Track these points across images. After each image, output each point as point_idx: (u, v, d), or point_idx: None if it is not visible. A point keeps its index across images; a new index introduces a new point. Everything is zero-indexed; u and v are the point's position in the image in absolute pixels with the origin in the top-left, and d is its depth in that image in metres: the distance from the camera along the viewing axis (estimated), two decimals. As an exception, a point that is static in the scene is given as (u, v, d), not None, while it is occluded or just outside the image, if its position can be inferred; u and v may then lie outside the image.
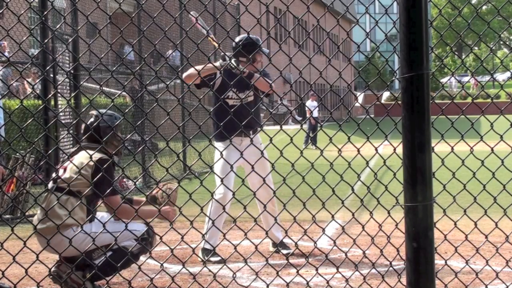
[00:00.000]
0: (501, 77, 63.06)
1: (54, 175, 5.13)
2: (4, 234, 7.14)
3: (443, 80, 49.08)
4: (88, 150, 4.48)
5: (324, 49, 51.60)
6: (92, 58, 14.67)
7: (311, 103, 24.79)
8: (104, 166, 4.75)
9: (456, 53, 45.96)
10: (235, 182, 6.19)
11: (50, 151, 8.58)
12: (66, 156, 5.22)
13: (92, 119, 5.21)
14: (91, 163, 4.85)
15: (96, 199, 4.92)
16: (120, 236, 4.72)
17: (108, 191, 4.64)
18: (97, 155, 4.82)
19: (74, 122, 9.34)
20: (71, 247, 3.93)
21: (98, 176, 4.65)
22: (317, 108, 24.34)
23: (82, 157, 4.94)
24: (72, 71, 9.70)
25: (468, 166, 3.43)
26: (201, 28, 6.04)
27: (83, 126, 5.27)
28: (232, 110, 5.79)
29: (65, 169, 5.01)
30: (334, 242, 3.58)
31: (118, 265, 4.63)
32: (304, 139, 23.03)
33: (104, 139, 5.01)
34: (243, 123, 3.36)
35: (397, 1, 2.59)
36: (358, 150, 3.23)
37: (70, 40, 9.62)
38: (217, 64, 6.05)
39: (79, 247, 4.58)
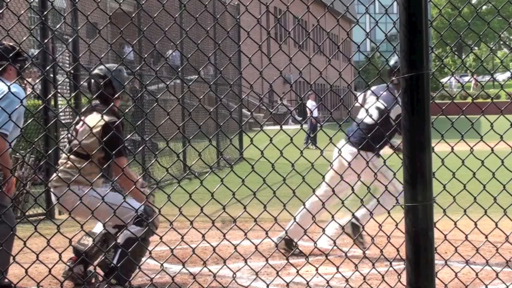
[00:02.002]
0: (501, 77, 63.02)
1: (69, 136, 5.30)
2: (4, 234, 7.14)
3: (443, 80, 49.07)
4: (96, 113, 4.85)
5: (324, 49, 51.60)
6: (92, 58, 14.67)
7: (311, 103, 24.81)
8: (112, 129, 4.83)
9: (456, 53, 45.94)
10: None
11: (50, 151, 8.58)
12: (78, 117, 5.32)
13: (100, 79, 5.18)
14: (99, 127, 4.92)
15: (106, 161, 5.00)
16: (120, 209, 4.74)
17: (116, 151, 4.71)
18: (105, 118, 4.89)
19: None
20: (78, 207, 3.99)
21: (106, 139, 4.75)
22: (316, 108, 24.35)
23: (93, 120, 5.01)
24: (72, 71, 9.70)
25: (468, 166, 3.43)
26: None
27: (92, 82, 5.27)
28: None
29: (77, 132, 5.11)
30: (334, 242, 3.57)
31: (133, 252, 4.69)
32: (304, 139, 23.05)
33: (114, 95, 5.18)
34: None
35: (397, 1, 2.59)
36: (358, 151, 3.22)
37: (70, 40, 9.62)
38: None
39: (82, 207, 4.48)
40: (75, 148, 5.06)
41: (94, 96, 5.24)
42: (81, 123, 5.17)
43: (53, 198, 5.18)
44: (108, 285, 4.83)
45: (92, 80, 5.23)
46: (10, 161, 5.01)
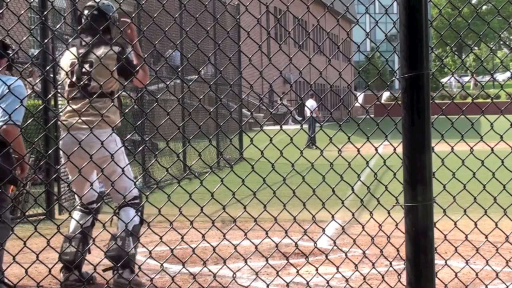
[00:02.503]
0: (501, 77, 63.02)
1: (72, 80, 5.26)
2: (4, 234, 7.14)
3: (443, 80, 49.07)
4: (96, 48, 4.89)
5: (324, 49, 51.59)
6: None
7: (311, 102, 24.86)
8: (124, 55, 5.04)
9: (456, 53, 45.91)
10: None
11: (50, 151, 8.58)
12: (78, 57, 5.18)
13: (95, 12, 5.07)
14: (112, 59, 5.00)
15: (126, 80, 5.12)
16: (125, 184, 4.94)
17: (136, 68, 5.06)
18: (115, 49, 5.01)
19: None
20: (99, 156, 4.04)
21: (122, 66, 4.87)
22: (315, 108, 24.43)
23: (102, 56, 5.01)
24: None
25: (468, 166, 3.43)
26: None
27: (86, 13, 5.12)
28: None
29: (90, 74, 5.07)
30: (334, 242, 3.57)
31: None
32: (307, 139, 23.09)
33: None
34: None
35: (397, 1, 2.59)
36: (358, 150, 3.22)
37: (70, 40, 9.61)
38: None
39: (103, 152, 4.26)
40: (94, 90, 5.02)
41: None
42: (87, 64, 5.13)
43: (68, 140, 5.10)
44: (130, 273, 4.96)
45: (85, 13, 5.15)
46: (24, 147, 5.10)
